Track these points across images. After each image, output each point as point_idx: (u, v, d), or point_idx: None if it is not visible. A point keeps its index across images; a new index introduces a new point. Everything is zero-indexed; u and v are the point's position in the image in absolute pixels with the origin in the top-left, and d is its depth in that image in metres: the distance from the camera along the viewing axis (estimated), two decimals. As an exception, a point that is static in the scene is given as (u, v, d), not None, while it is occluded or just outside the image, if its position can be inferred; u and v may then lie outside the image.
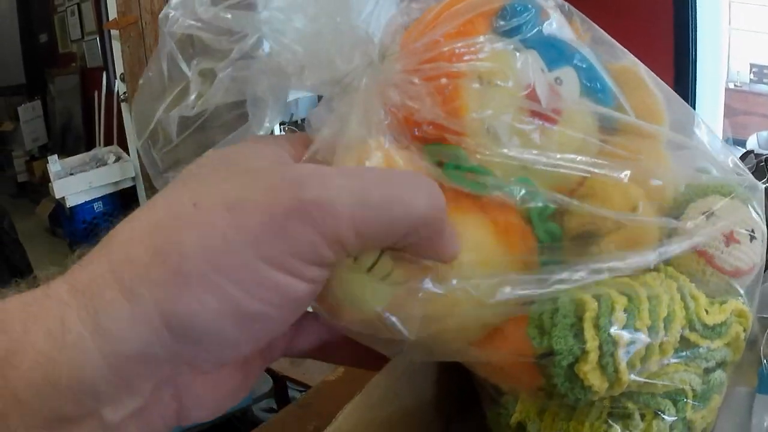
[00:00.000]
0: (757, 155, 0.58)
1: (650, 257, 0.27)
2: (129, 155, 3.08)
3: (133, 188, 3.12)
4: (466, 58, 0.26)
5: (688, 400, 0.28)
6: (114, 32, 3.23)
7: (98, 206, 3.05)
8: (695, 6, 1.58)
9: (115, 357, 0.20)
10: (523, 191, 0.26)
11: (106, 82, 3.43)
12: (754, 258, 0.30)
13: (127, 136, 3.05)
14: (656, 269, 0.28)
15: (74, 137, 4.03)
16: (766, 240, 0.31)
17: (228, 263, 0.21)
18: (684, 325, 0.27)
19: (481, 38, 0.27)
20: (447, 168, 0.26)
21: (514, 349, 0.27)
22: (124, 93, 3.02)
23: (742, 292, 0.30)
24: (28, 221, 3.74)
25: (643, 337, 0.25)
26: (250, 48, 0.26)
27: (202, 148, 0.26)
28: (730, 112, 1.66)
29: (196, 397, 0.25)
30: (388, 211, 0.22)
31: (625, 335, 0.25)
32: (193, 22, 0.26)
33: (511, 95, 0.27)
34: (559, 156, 0.27)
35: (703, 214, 0.29)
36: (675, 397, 0.28)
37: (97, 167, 3.03)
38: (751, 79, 1.66)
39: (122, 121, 3.20)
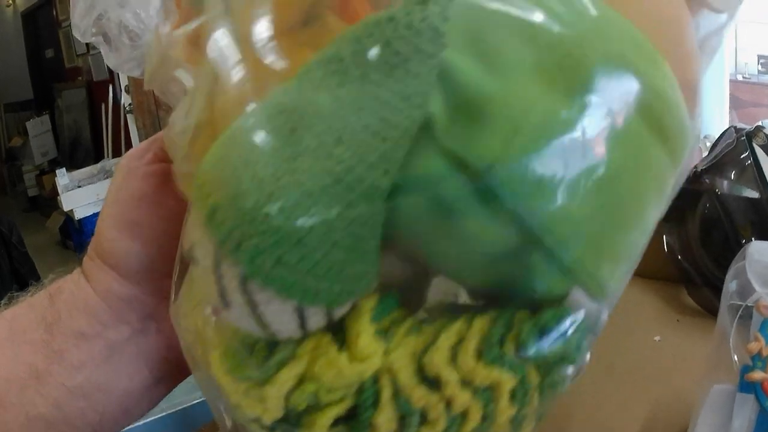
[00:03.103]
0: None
1: None
2: (136, 166, 3.08)
3: (141, 199, 3.10)
4: None
5: None
6: (118, 45, 3.25)
7: (107, 218, 3.05)
8: (700, -3, 1.56)
9: (100, 295, 0.35)
10: None
11: (113, 95, 3.45)
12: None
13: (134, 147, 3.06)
14: None
15: (83, 150, 4.06)
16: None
17: (112, 202, 0.36)
18: None
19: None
20: None
21: None
22: (130, 104, 3.02)
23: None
24: (39, 235, 3.76)
25: None
26: None
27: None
28: (738, 103, 1.64)
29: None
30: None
31: None
32: None
33: None
34: None
35: None
36: None
37: (105, 179, 3.04)
38: (759, 71, 1.65)
39: (129, 132, 3.21)
